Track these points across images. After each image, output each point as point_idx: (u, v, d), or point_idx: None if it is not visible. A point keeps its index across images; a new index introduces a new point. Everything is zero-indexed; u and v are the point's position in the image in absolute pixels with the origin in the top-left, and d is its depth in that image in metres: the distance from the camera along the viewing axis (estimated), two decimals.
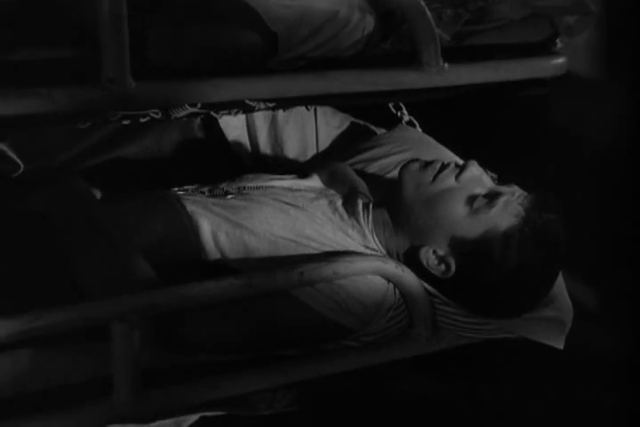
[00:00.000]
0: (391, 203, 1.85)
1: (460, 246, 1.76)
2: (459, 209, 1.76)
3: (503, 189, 1.79)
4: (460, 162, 1.95)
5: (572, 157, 2.90)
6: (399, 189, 1.83)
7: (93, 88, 1.49)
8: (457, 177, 1.79)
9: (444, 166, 1.81)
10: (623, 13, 2.77)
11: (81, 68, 1.54)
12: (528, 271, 1.75)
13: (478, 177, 1.80)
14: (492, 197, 1.76)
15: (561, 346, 1.87)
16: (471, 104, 3.05)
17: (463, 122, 2.89)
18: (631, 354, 2.69)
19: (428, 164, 1.82)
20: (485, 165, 2.17)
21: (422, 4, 1.66)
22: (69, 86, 1.48)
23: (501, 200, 1.75)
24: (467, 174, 1.79)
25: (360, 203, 1.87)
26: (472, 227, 1.75)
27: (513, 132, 3.11)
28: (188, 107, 1.80)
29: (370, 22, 1.78)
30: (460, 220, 1.76)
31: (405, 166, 1.84)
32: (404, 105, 2.40)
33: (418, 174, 1.81)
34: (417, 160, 1.85)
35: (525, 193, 1.80)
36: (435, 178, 1.79)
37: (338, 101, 2.18)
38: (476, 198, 1.76)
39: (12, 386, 1.56)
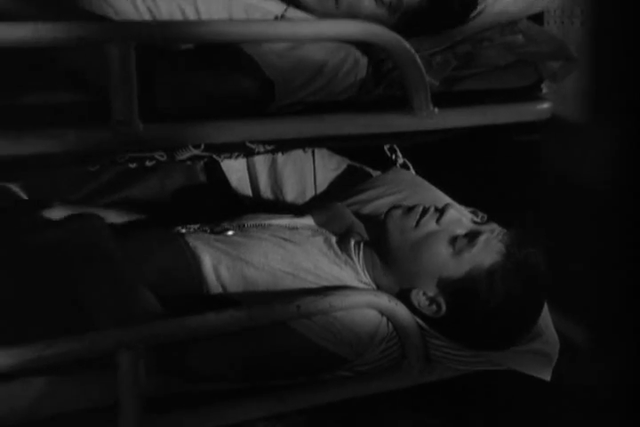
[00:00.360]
0: (379, 246, 1.93)
1: (448, 286, 1.84)
2: (443, 251, 1.84)
3: (482, 227, 1.88)
4: (450, 202, 2.05)
5: (563, 198, 2.98)
6: (385, 236, 1.91)
7: (103, 130, 1.59)
8: (437, 220, 1.87)
9: (425, 211, 1.89)
10: (609, 61, 2.87)
11: (90, 111, 1.64)
12: (515, 304, 1.83)
13: (458, 219, 1.88)
14: (472, 236, 1.85)
15: (548, 378, 1.94)
16: (465, 147, 3.13)
17: (456, 164, 2.97)
18: (620, 389, 2.75)
19: (409, 209, 1.90)
20: (475, 204, 2.26)
21: (413, 51, 1.76)
22: (81, 128, 1.58)
23: (482, 239, 1.83)
24: (447, 217, 1.87)
25: (352, 241, 1.96)
26: (457, 266, 1.83)
27: (504, 174, 3.19)
28: (192, 148, 1.89)
29: (362, 68, 1.88)
30: (446, 261, 1.84)
31: (388, 213, 1.93)
32: (399, 148, 2.48)
33: (401, 220, 1.89)
34: (399, 206, 1.94)
35: (504, 230, 1.88)
36: (417, 223, 1.87)
37: (334, 144, 2.27)
38: (458, 239, 1.84)
39: (24, 413, 1.63)
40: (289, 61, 1.79)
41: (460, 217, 1.89)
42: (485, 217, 2.19)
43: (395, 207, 1.93)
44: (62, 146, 1.56)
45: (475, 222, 1.91)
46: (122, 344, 1.58)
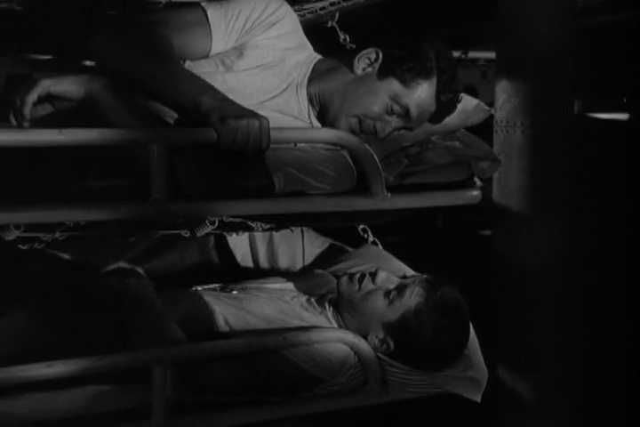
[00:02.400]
0: (338, 306, 2.52)
1: (390, 328, 2.42)
2: (381, 304, 2.43)
3: (407, 281, 2.46)
4: (409, 270, 2.62)
5: (509, 274, 3.55)
6: (340, 297, 2.50)
7: (145, 205, 2.10)
8: (373, 281, 2.46)
9: (362, 276, 2.47)
10: (544, 161, 3.48)
11: (135, 191, 2.16)
12: (443, 331, 2.40)
13: (388, 277, 2.48)
14: (400, 289, 2.43)
15: (478, 400, 2.48)
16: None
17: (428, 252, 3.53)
18: None
19: (351, 276, 2.49)
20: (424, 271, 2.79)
21: (371, 151, 2.26)
22: (129, 203, 2.11)
23: (407, 291, 2.42)
24: (379, 278, 2.47)
25: (327, 300, 2.55)
26: (393, 313, 2.42)
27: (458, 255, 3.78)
28: (209, 225, 2.45)
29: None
30: (384, 310, 2.43)
31: (338, 281, 2.52)
32: (370, 229, 3.02)
33: (348, 286, 2.48)
34: (345, 274, 2.53)
35: (425, 277, 2.46)
36: (360, 287, 2.46)
37: (314, 224, 2.82)
38: (390, 293, 2.43)
39: (80, 409, 2.19)
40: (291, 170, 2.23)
41: (390, 275, 2.48)
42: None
43: (342, 275, 2.54)
44: (115, 215, 2.09)
45: (401, 277, 2.49)
46: (155, 360, 2.15)
